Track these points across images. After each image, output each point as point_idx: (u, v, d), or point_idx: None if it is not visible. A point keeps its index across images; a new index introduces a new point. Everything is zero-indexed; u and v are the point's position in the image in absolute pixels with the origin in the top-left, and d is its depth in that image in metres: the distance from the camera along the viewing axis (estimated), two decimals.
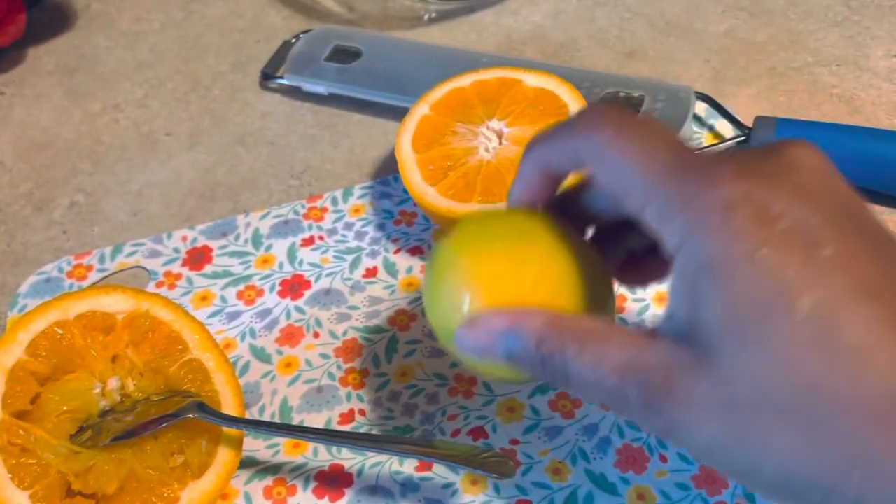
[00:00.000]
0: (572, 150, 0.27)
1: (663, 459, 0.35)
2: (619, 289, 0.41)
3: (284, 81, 0.52)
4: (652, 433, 0.27)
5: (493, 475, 0.29)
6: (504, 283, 0.27)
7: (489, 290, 0.27)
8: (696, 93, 0.47)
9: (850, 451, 0.21)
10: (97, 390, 0.33)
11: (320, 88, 0.51)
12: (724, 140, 0.46)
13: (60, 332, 0.33)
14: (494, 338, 0.26)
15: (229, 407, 0.34)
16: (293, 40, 0.55)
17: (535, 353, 0.25)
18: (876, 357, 0.21)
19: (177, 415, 0.32)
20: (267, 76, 0.54)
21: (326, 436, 0.32)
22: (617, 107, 0.27)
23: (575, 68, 0.49)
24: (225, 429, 0.34)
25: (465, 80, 0.44)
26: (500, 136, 0.42)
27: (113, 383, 0.33)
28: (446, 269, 0.28)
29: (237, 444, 0.34)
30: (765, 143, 0.25)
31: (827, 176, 0.23)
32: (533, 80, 0.43)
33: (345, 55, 0.52)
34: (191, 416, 0.32)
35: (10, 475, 0.30)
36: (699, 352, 0.22)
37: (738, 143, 0.45)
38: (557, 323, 0.25)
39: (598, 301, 0.28)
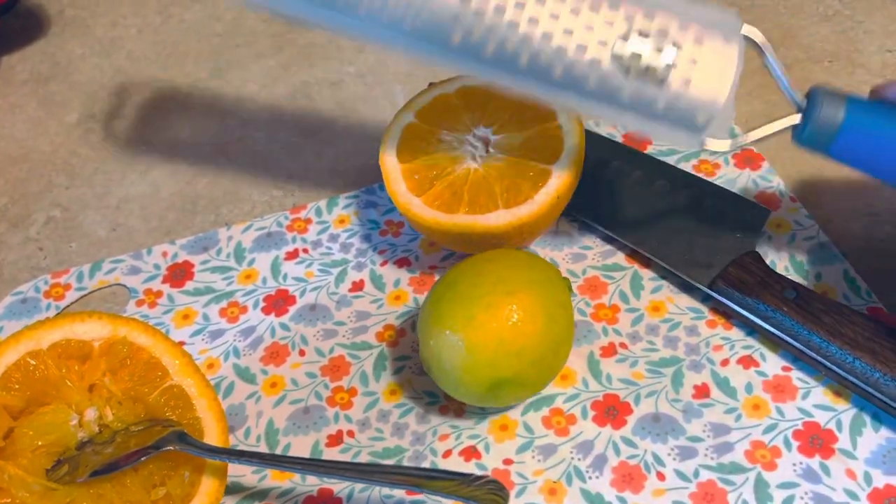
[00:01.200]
0: None
1: (661, 477, 0.34)
2: (613, 299, 0.40)
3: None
4: None
5: None
6: (489, 334, 0.33)
7: (475, 338, 0.33)
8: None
9: None
10: (74, 422, 0.32)
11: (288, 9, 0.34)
12: (773, 123, 0.35)
13: (33, 362, 0.31)
14: None
15: (212, 434, 0.33)
16: None
17: None
18: None
19: (157, 446, 0.31)
20: None
21: (312, 466, 0.31)
22: None
23: None
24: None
25: (450, 87, 0.43)
26: (486, 143, 0.41)
27: (90, 414, 0.32)
28: (439, 322, 0.34)
29: (221, 472, 0.33)
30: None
31: None
32: None
33: None
34: (171, 448, 0.31)
35: None
36: None
37: (793, 128, 0.35)
38: None
39: (567, 326, 0.35)
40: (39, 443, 0.31)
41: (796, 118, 0.34)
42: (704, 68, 0.33)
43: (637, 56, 0.33)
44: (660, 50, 0.33)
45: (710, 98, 0.33)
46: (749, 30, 0.34)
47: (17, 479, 0.30)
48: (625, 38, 0.33)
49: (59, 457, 0.31)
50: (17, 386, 0.31)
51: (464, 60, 0.34)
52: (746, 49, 0.34)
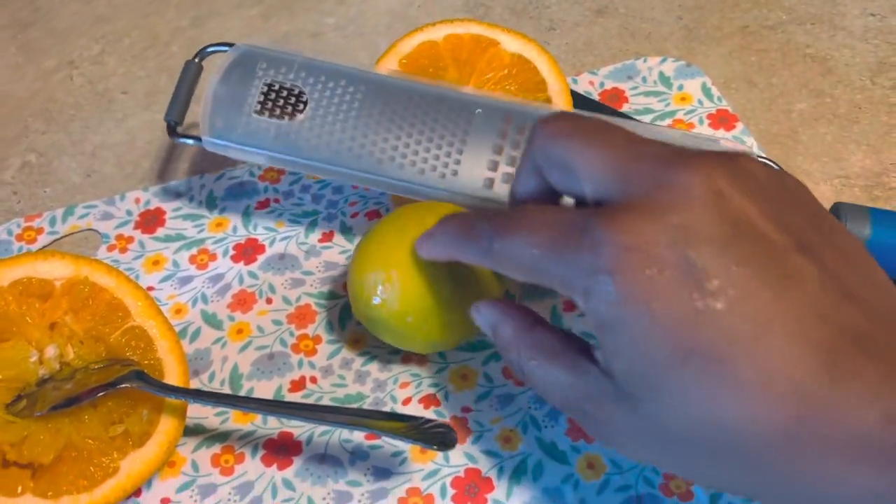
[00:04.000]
0: None
1: None
2: None
3: (202, 144, 0.39)
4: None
5: (435, 447, 0.29)
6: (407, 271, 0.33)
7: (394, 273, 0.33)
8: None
9: (761, 475, 0.22)
10: (34, 358, 0.32)
11: (253, 158, 0.39)
12: None
13: None
14: (481, 313, 0.30)
15: (173, 375, 0.34)
16: (196, 59, 0.42)
17: (499, 344, 0.29)
18: (775, 387, 0.21)
19: (115, 384, 0.31)
20: (173, 130, 0.41)
21: (268, 406, 0.32)
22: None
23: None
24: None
25: (438, 33, 0.42)
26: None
27: (51, 351, 0.32)
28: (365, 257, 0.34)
29: (180, 412, 0.33)
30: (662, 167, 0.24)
31: (713, 202, 0.23)
32: (511, 43, 0.41)
33: (281, 99, 0.38)
34: (129, 385, 0.31)
35: None
36: (619, 389, 0.24)
37: None
38: (521, 330, 0.28)
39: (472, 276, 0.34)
40: None
41: None
42: None
43: None
44: None
45: None
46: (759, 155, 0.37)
47: None
48: None
49: (18, 392, 0.31)
50: None
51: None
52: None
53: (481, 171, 0.37)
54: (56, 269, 0.33)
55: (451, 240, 0.29)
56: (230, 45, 0.40)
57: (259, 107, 0.38)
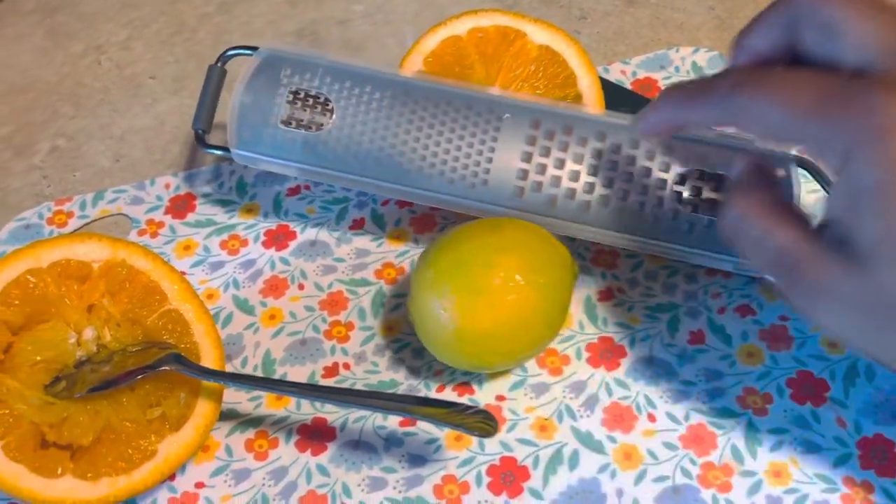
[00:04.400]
0: None
1: (651, 419, 0.34)
2: None
3: (230, 156, 0.39)
4: (789, 304, 0.32)
5: (475, 433, 0.29)
6: (482, 307, 0.33)
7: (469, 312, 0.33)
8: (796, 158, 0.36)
9: None
10: (72, 340, 0.32)
11: (283, 170, 0.39)
12: None
13: (33, 280, 0.32)
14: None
15: (209, 359, 0.34)
16: (219, 63, 0.42)
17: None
18: None
19: (153, 366, 0.31)
20: (201, 139, 0.41)
21: (305, 390, 0.32)
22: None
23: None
24: (204, 381, 0.33)
25: (462, 26, 0.42)
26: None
27: (89, 333, 0.32)
28: (432, 286, 0.33)
29: (217, 396, 0.33)
30: None
31: None
32: (539, 34, 0.41)
33: (307, 108, 0.38)
34: (167, 368, 0.31)
35: None
36: (853, 256, 0.25)
37: None
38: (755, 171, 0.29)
39: (562, 308, 0.35)
40: (38, 358, 0.31)
41: None
42: None
43: (696, 194, 0.36)
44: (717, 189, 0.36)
45: None
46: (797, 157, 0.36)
47: (16, 392, 0.30)
48: (681, 182, 0.36)
49: (57, 373, 0.31)
50: (16, 302, 0.31)
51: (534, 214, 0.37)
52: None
53: (511, 179, 0.37)
54: (94, 252, 0.33)
55: (681, 100, 0.29)
56: (253, 48, 0.40)
57: (286, 116, 0.37)
